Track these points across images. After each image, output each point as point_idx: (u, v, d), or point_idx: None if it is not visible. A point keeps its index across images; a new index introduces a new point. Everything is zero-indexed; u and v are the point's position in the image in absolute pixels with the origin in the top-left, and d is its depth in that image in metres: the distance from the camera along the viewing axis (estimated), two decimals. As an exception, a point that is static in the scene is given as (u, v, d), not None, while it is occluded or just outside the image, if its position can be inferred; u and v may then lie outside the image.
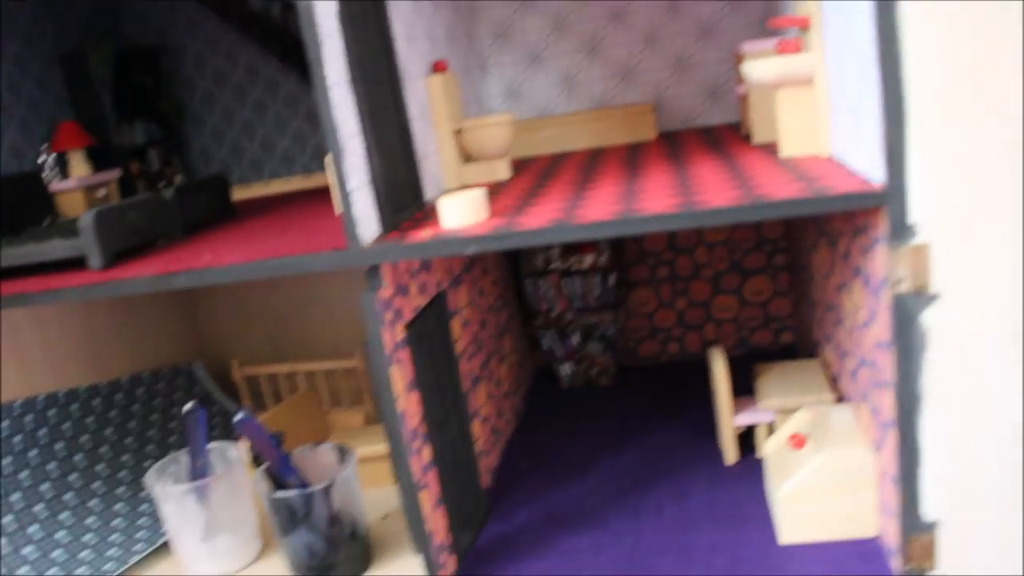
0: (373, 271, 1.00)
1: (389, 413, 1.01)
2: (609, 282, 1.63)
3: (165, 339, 1.82)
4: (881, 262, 0.91)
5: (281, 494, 1.16)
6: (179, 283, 1.04)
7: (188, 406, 1.21)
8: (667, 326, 1.79)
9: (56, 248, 1.19)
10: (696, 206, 0.90)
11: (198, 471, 1.28)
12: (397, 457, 1.03)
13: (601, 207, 0.97)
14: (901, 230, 0.86)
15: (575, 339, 1.68)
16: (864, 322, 1.04)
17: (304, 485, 1.19)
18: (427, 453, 1.09)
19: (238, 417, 1.12)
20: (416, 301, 1.12)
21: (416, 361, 1.08)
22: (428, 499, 1.08)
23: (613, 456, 1.42)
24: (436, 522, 1.10)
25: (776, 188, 0.93)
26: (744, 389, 1.39)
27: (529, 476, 1.39)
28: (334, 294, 1.82)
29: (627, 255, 1.77)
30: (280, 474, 1.19)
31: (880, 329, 0.95)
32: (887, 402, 0.96)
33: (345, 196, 0.95)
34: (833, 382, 1.31)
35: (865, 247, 0.99)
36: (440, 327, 1.19)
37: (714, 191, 0.97)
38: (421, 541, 1.06)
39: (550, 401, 1.69)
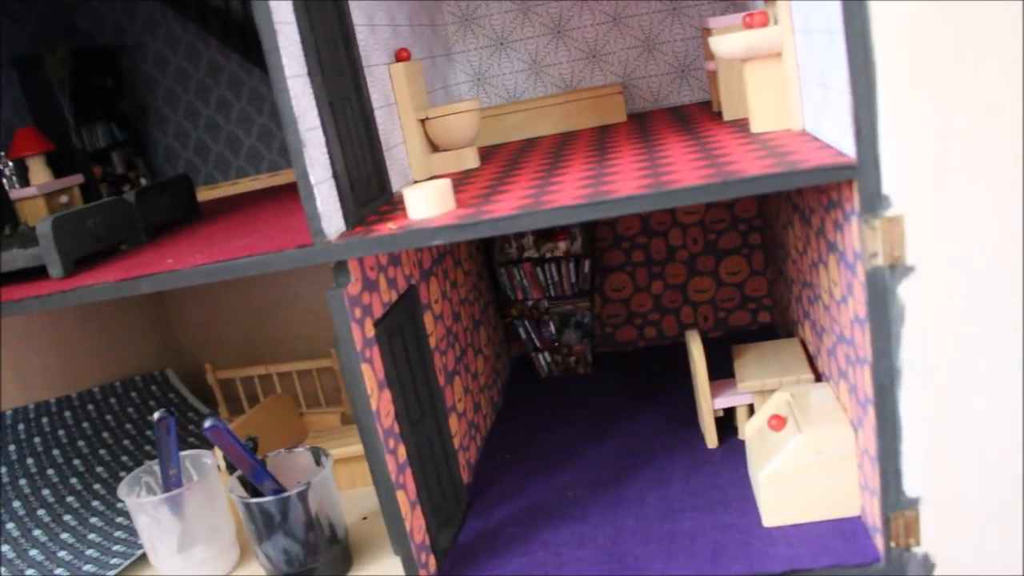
0: (340, 267, 0.97)
1: (361, 412, 0.99)
2: (584, 269, 1.61)
3: (136, 346, 1.79)
4: (855, 236, 0.89)
5: (256, 500, 1.13)
6: (143, 288, 1.01)
7: (157, 414, 1.19)
8: (644, 310, 1.78)
9: (15, 258, 1.15)
10: (666, 186, 0.88)
11: (171, 481, 1.25)
12: (372, 457, 1.01)
13: (571, 191, 0.95)
14: (874, 202, 0.85)
15: (551, 328, 1.66)
16: (840, 298, 1.02)
17: (280, 490, 1.17)
18: (402, 451, 1.07)
19: (207, 424, 1.09)
20: (386, 296, 1.09)
21: (387, 358, 1.05)
22: (405, 498, 1.06)
23: (593, 445, 1.40)
24: (415, 521, 1.08)
25: (746, 164, 0.91)
26: (723, 371, 1.37)
27: (509, 470, 1.37)
28: (307, 293, 1.79)
29: (601, 240, 1.75)
30: (254, 480, 1.16)
31: (856, 304, 0.94)
32: (865, 379, 0.95)
33: (308, 191, 0.92)
34: (812, 361, 1.29)
35: (838, 222, 0.97)
36: (412, 322, 1.16)
37: (684, 170, 0.95)
38: (400, 541, 1.04)
39: (528, 392, 1.68)
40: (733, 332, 1.76)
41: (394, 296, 1.12)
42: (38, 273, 1.15)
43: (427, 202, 0.96)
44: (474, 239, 1.02)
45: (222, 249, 1.06)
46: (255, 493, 1.19)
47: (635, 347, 1.80)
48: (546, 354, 1.69)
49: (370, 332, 1.02)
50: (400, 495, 1.04)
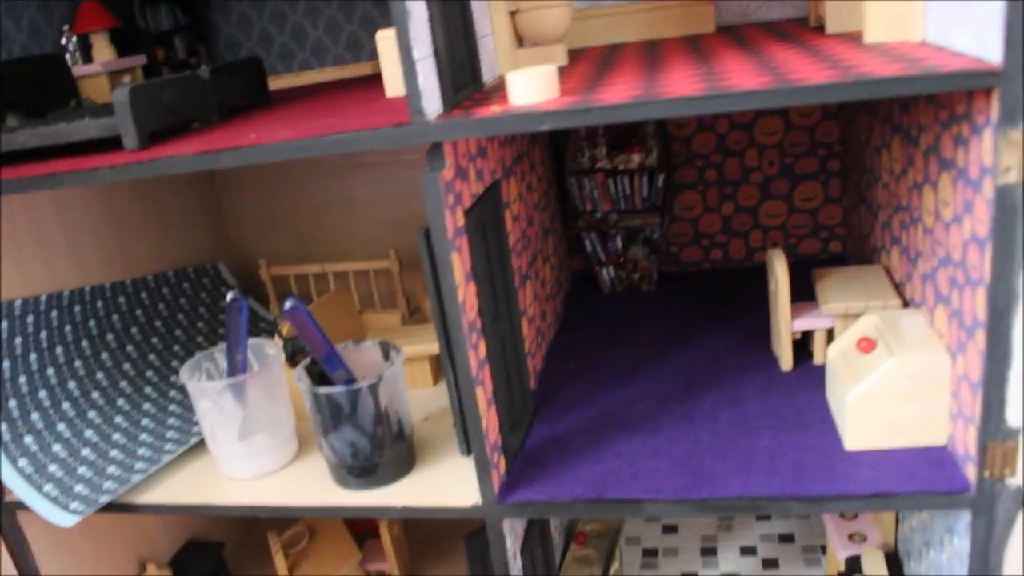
0: (435, 150, 0.93)
1: (448, 303, 0.96)
2: (657, 183, 1.56)
3: (191, 237, 1.76)
4: (986, 150, 0.84)
5: (326, 389, 1.11)
6: (224, 161, 0.97)
7: (231, 295, 1.16)
8: (712, 232, 1.73)
9: (88, 128, 1.11)
10: (793, 83, 0.83)
11: (238, 366, 1.23)
12: (455, 350, 0.98)
13: (684, 85, 0.90)
14: (1015, 113, 0.79)
15: (618, 242, 1.62)
16: (951, 218, 0.98)
17: (351, 380, 1.15)
18: (483, 348, 1.04)
19: (288, 305, 1.06)
20: (474, 188, 1.05)
21: (475, 249, 1.02)
22: (483, 396, 1.03)
23: (660, 361, 1.37)
24: (490, 420, 1.05)
25: (875, 68, 0.86)
26: (795, 296, 1.33)
27: (574, 380, 1.35)
28: (361, 194, 1.76)
29: (674, 156, 1.69)
30: (327, 368, 1.14)
31: (976, 224, 0.89)
32: (975, 303, 0.90)
33: (409, 66, 0.88)
34: (898, 288, 1.25)
35: (962, 137, 0.92)
36: (495, 217, 1.13)
37: (805, 71, 0.89)
38: (476, 439, 1.02)
39: (591, 305, 1.64)
40: (801, 260, 1.71)
41: (481, 189, 1.09)
42: (110, 145, 1.12)
43: (532, 87, 0.92)
44: (583, 125, 0.97)
45: (307, 127, 1.02)
46: (322, 384, 1.17)
47: (699, 268, 1.76)
48: (610, 269, 1.65)
49: (460, 221, 0.98)
50: (479, 392, 1.01)
